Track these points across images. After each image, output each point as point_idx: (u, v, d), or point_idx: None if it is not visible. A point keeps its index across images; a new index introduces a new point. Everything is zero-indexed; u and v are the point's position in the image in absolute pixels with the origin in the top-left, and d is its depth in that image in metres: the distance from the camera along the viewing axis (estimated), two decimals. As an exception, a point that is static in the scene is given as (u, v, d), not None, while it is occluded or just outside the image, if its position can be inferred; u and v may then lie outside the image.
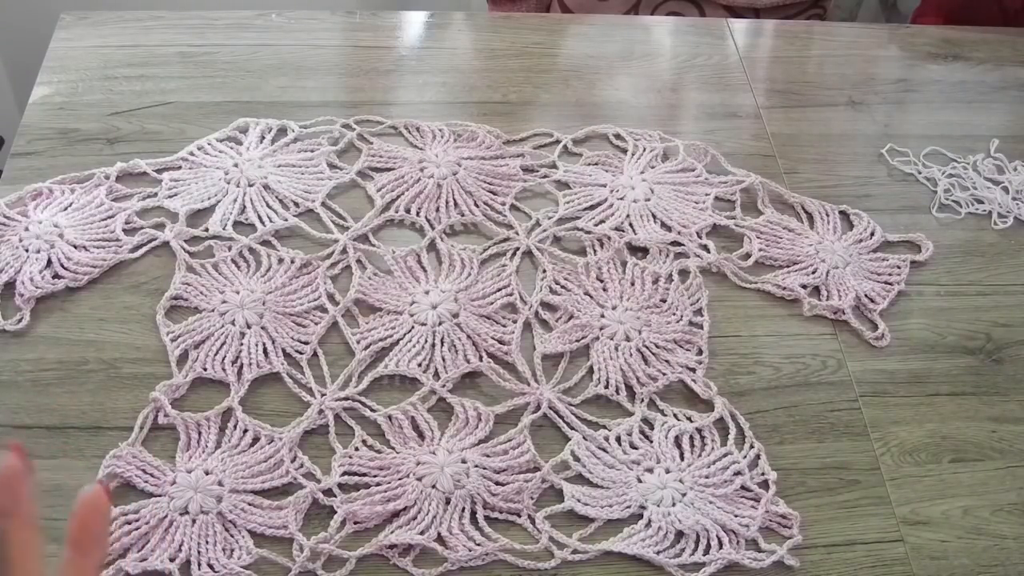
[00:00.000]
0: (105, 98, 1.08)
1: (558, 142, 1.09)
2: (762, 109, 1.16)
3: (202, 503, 0.77)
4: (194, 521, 0.76)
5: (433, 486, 0.79)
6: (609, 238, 0.99)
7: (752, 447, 0.84)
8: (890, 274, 1.00)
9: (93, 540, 0.46)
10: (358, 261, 0.95)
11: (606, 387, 0.87)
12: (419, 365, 0.87)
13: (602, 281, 0.96)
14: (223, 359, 0.86)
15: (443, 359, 0.88)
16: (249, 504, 0.77)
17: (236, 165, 1.02)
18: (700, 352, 0.91)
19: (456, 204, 1.01)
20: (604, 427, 0.85)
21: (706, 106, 1.16)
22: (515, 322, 0.92)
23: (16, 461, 0.46)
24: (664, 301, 0.94)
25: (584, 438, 0.84)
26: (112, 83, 1.10)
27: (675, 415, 0.86)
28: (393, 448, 0.82)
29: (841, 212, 1.05)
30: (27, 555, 0.44)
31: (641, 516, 0.80)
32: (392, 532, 0.77)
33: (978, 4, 1.40)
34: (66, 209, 0.96)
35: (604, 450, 0.83)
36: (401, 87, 1.15)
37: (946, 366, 0.93)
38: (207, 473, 0.78)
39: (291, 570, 0.74)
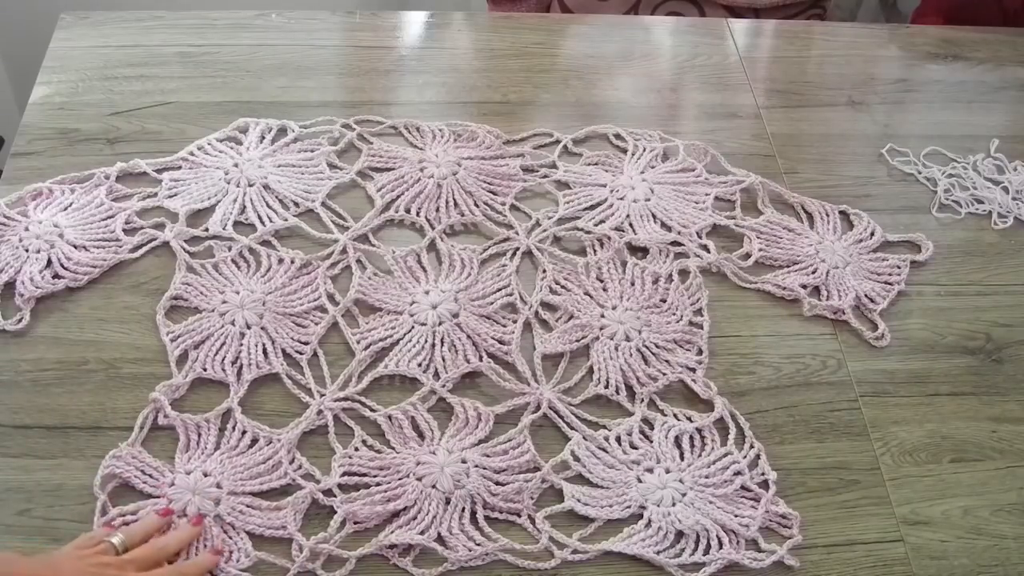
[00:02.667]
0: (105, 98, 1.08)
1: (558, 142, 1.09)
2: (762, 109, 1.16)
3: (200, 506, 0.76)
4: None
5: (433, 486, 0.79)
6: (609, 238, 0.99)
7: (752, 447, 0.84)
8: (890, 274, 1.00)
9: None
10: (358, 261, 0.95)
11: (606, 387, 0.87)
12: (419, 365, 0.87)
13: (602, 281, 0.96)
14: (223, 359, 0.86)
15: (443, 359, 0.88)
16: (247, 506, 0.77)
17: (236, 165, 1.02)
18: (700, 352, 0.91)
19: (456, 204, 1.01)
20: (604, 427, 0.85)
21: (706, 106, 1.16)
22: (515, 322, 0.92)
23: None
24: (664, 301, 0.94)
25: (584, 438, 0.84)
26: (112, 83, 1.10)
27: (675, 415, 0.86)
28: (393, 448, 0.82)
29: (841, 212, 1.05)
30: None
31: (641, 516, 0.80)
32: (392, 532, 0.77)
33: (978, 4, 1.40)
34: (66, 209, 0.96)
35: (604, 450, 0.83)
36: (401, 87, 1.15)
37: (946, 366, 0.93)
38: (205, 475, 0.78)
39: (290, 570, 0.74)
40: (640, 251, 0.99)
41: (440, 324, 0.90)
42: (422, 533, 0.77)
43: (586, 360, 0.90)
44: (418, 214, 1.00)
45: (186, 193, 0.99)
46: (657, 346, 0.91)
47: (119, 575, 0.68)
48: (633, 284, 0.95)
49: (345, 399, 0.85)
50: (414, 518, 0.78)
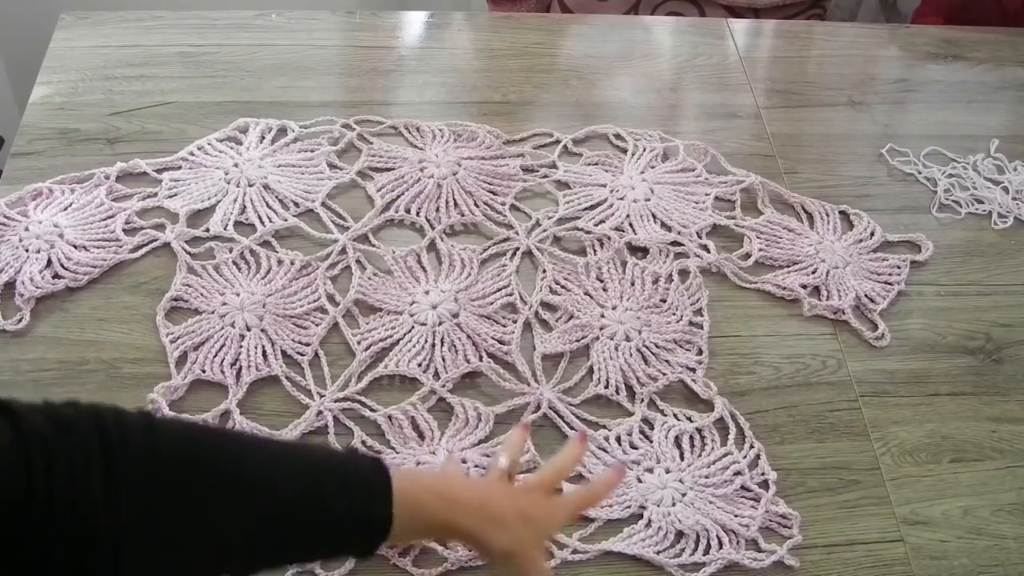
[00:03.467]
0: (105, 98, 1.08)
1: (558, 142, 1.09)
2: (762, 109, 1.16)
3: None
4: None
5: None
6: (609, 238, 0.99)
7: (752, 447, 0.84)
8: (890, 274, 1.00)
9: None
10: (357, 261, 0.95)
11: (606, 387, 0.87)
12: (419, 365, 0.87)
13: (602, 281, 0.96)
14: (222, 361, 0.86)
15: (443, 359, 0.88)
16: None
17: (236, 165, 1.02)
18: (700, 352, 0.91)
19: (456, 204, 1.01)
20: (604, 427, 0.85)
21: (706, 106, 1.16)
22: (515, 322, 0.91)
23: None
24: (664, 301, 0.94)
25: (584, 438, 0.84)
26: (112, 83, 1.10)
27: (675, 415, 0.86)
28: (393, 448, 0.82)
29: (841, 212, 1.05)
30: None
31: (641, 516, 0.80)
32: (392, 532, 0.77)
33: (978, 4, 1.40)
34: (66, 209, 0.96)
35: (604, 450, 0.83)
36: (401, 87, 1.15)
37: (946, 366, 0.93)
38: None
39: (288, 570, 0.74)
40: (640, 251, 0.99)
41: (440, 324, 0.90)
42: (422, 533, 0.77)
43: (586, 360, 0.90)
44: (418, 214, 1.00)
45: (186, 193, 0.99)
46: (657, 346, 0.91)
47: (545, 503, 0.67)
48: (633, 284, 0.95)
49: (345, 399, 0.85)
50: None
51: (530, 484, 0.69)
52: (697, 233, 1.01)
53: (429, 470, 0.70)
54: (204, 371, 0.85)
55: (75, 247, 0.93)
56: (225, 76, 1.12)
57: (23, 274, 0.90)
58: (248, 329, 0.88)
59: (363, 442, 0.82)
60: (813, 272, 0.99)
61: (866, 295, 0.97)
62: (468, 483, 0.69)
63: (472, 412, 0.84)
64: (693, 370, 0.89)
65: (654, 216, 1.02)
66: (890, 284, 0.99)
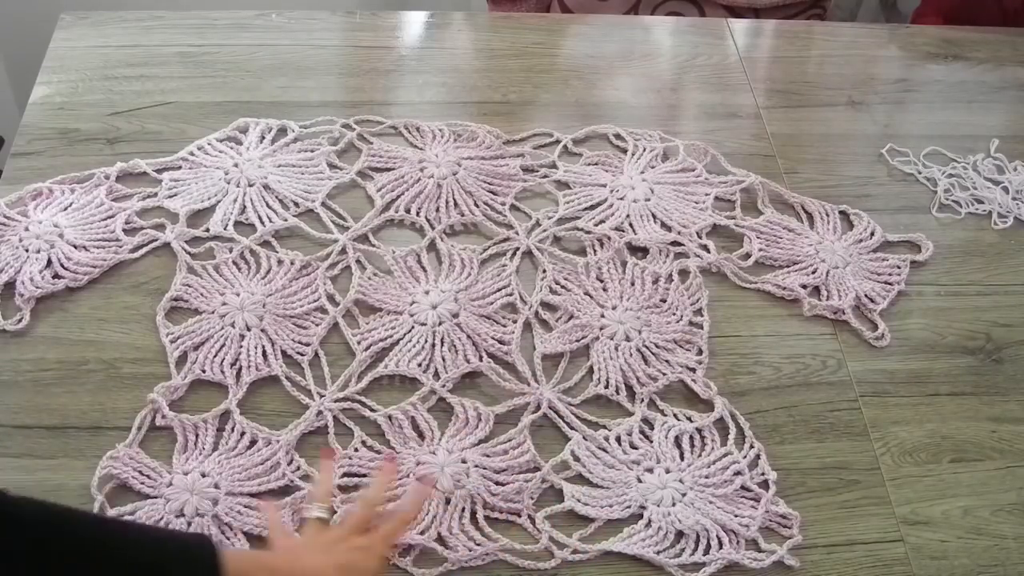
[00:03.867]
0: (105, 98, 1.08)
1: (558, 142, 1.09)
2: (762, 109, 1.16)
3: (198, 506, 0.76)
4: (189, 524, 0.76)
5: (433, 486, 0.79)
6: (609, 238, 0.99)
7: (752, 447, 0.84)
8: (890, 274, 1.00)
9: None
10: (357, 261, 0.95)
11: (606, 387, 0.87)
12: (419, 365, 0.87)
13: (602, 281, 0.96)
14: (222, 361, 0.86)
15: (443, 359, 0.88)
16: (245, 507, 0.77)
17: (236, 165, 1.02)
18: (700, 352, 0.91)
19: (456, 204, 1.01)
20: (604, 427, 0.85)
21: (706, 106, 1.16)
22: (515, 322, 0.91)
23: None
24: (664, 301, 0.94)
25: (584, 438, 0.84)
26: (112, 83, 1.10)
27: (675, 415, 0.86)
28: (393, 448, 0.82)
29: (841, 212, 1.05)
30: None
31: (641, 516, 0.80)
32: (392, 532, 0.77)
33: (978, 4, 1.40)
34: (66, 209, 0.96)
35: (604, 450, 0.83)
36: (401, 87, 1.14)
37: (946, 366, 0.93)
38: (203, 475, 0.78)
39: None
40: (640, 251, 0.99)
41: (440, 324, 0.90)
42: (422, 533, 0.77)
43: (586, 360, 0.90)
44: (418, 214, 1.00)
45: (186, 193, 0.99)
46: (657, 346, 0.91)
47: (361, 543, 0.72)
48: (633, 284, 0.95)
49: (345, 399, 0.85)
50: (414, 518, 0.78)
51: (344, 530, 0.73)
52: (697, 233, 1.01)
53: (254, 550, 0.75)
54: (204, 371, 0.85)
55: (75, 247, 0.93)
56: (225, 76, 1.12)
57: (23, 274, 0.90)
58: (248, 329, 0.88)
59: (363, 442, 0.82)
60: (813, 272, 0.99)
61: (866, 295, 0.97)
62: (286, 551, 0.73)
63: (472, 412, 0.84)
64: (693, 370, 0.89)
65: (654, 216, 1.02)
66: (890, 284, 0.99)
